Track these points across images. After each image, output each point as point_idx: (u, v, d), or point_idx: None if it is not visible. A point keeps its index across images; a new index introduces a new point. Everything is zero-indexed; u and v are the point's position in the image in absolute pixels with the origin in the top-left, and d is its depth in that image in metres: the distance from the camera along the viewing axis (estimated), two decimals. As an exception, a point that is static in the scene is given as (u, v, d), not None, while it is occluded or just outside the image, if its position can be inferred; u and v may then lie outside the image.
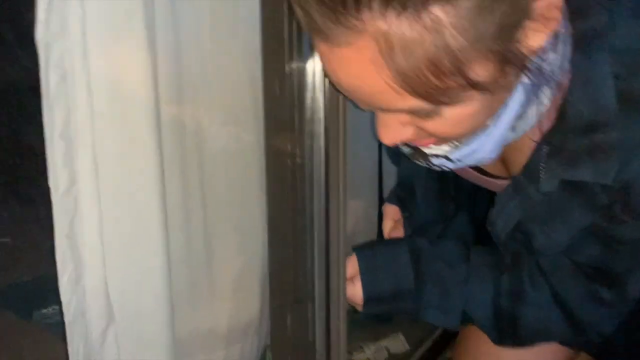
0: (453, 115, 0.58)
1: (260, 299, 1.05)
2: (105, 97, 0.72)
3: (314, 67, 0.76)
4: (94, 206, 0.74)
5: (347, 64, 0.55)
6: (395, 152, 1.04)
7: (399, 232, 1.06)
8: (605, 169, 0.65)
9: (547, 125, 0.69)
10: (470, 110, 0.58)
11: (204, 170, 0.91)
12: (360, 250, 0.85)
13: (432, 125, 0.60)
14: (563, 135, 0.67)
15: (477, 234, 1.04)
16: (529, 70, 0.58)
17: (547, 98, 0.66)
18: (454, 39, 0.50)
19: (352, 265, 0.84)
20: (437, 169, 0.76)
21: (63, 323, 0.77)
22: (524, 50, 0.55)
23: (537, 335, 0.84)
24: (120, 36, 0.72)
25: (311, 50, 0.75)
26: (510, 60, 0.55)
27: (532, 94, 0.64)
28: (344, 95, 0.63)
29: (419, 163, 0.76)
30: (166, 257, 0.82)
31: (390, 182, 1.40)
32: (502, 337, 0.84)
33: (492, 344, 0.86)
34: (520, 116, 0.66)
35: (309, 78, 0.76)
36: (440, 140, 0.66)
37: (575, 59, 0.65)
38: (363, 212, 1.40)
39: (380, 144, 1.40)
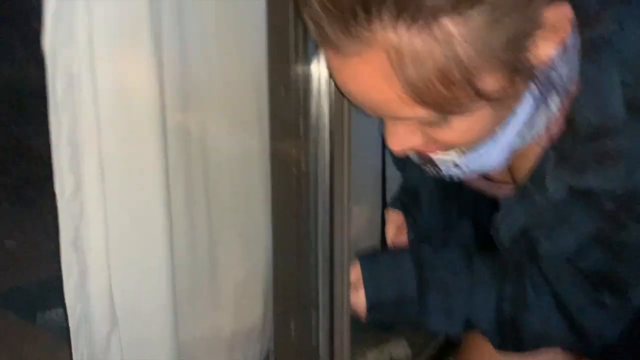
0: (462, 124, 0.58)
1: (263, 304, 1.05)
2: (111, 103, 0.73)
3: (319, 73, 0.76)
4: (99, 212, 0.74)
5: (358, 75, 0.55)
6: (399, 158, 1.04)
7: (402, 238, 1.06)
8: (613, 176, 0.65)
9: (555, 132, 0.69)
10: (478, 119, 0.58)
11: (209, 177, 0.91)
12: (364, 257, 0.85)
13: (440, 133, 0.60)
14: (571, 142, 0.67)
15: (480, 240, 1.04)
16: (537, 79, 0.58)
17: (555, 105, 0.66)
18: (464, 51, 0.50)
19: (355, 273, 0.84)
20: (445, 176, 0.76)
21: (67, 327, 0.77)
22: (533, 60, 0.55)
23: (540, 340, 0.84)
24: (127, 43, 0.72)
25: (317, 57, 0.75)
26: (520, 71, 0.55)
27: (541, 102, 0.64)
28: (350, 102, 0.63)
29: (427, 170, 0.77)
30: (170, 263, 0.83)
31: (393, 187, 1.40)
32: (504, 343, 0.84)
33: (495, 351, 0.85)
34: (528, 124, 0.66)
35: (314, 85, 0.77)
36: (449, 148, 0.67)
37: (584, 67, 0.65)
38: (366, 217, 1.40)
39: (383, 150, 1.40)
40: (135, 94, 0.74)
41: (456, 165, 0.72)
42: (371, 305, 0.83)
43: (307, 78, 0.76)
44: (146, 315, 0.83)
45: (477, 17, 0.49)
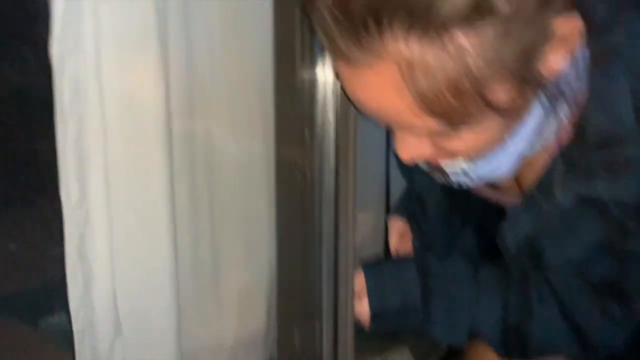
0: (471, 134, 0.58)
1: (266, 312, 1.05)
2: (117, 110, 0.73)
3: (325, 81, 0.76)
4: (105, 218, 0.74)
5: (368, 85, 0.55)
6: (405, 165, 1.04)
7: (405, 246, 1.06)
8: (622, 184, 0.65)
9: (563, 140, 0.69)
10: (488, 129, 0.58)
11: (213, 184, 0.91)
12: (368, 266, 0.85)
13: (450, 143, 0.60)
14: (580, 150, 0.67)
15: (483, 250, 1.04)
16: (547, 89, 0.58)
17: (564, 114, 0.66)
18: (475, 62, 0.50)
19: (359, 281, 0.83)
20: (455, 184, 0.76)
21: (69, 332, 0.77)
22: (543, 71, 0.55)
23: (545, 350, 0.83)
24: (134, 50, 0.73)
25: (322, 65, 0.75)
26: (529, 81, 0.55)
27: (550, 111, 0.65)
28: (358, 110, 0.63)
29: (437, 178, 0.77)
30: (175, 270, 0.83)
31: (397, 194, 1.40)
32: (509, 352, 0.84)
33: (499, 359, 0.85)
34: (537, 132, 0.66)
35: (320, 92, 0.77)
36: (458, 157, 0.67)
37: (593, 75, 0.65)
38: (371, 224, 1.40)
39: (387, 157, 1.40)
40: (142, 101, 0.74)
41: (465, 174, 0.72)
42: (375, 314, 0.83)
43: (312, 85, 0.76)
44: (150, 322, 0.83)
45: (488, 29, 0.49)
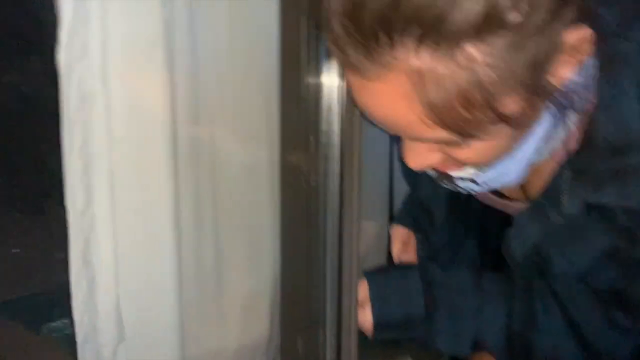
0: (480, 144, 0.58)
1: (269, 319, 1.05)
2: (123, 118, 0.73)
3: (330, 88, 0.76)
4: (109, 226, 0.75)
5: (379, 97, 0.55)
6: (411, 173, 1.04)
7: (409, 255, 1.05)
8: (630, 192, 0.65)
9: (571, 147, 0.69)
10: (497, 139, 0.58)
11: (218, 192, 0.92)
12: (371, 275, 0.85)
13: (459, 152, 0.60)
14: (588, 158, 0.67)
15: (485, 261, 1.04)
16: (556, 99, 0.58)
17: (572, 122, 0.66)
18: (486, 75, 0.50)
19: (362, 291, 0.83)
20: (463, 192, 0.76)
21: (73, 336, 0.78)
22: (553, 82, 0.55)
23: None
24: (140, 59, 0.73)
25: (328, 72, 0.76)
26: (540, 93, 0.55)
27: (559, 119, 0.65)
28: (365, 118, 0.63)
29: (445, 186, 0.77)
30: (178, 276, 0.83)
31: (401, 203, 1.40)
32: (514, 363, 0.84)
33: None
34: (545, 140, 0.66)
35: (325, 100, 0.77)
36: (467, 166, 0.67)
37: (601, 83, 0.65)
38: (374, 233, 1.40)
39: (391, 165, 1.40)
40: (148, 108, 0.75)
41: (473, 181, 0.72)
42: (378, 323, 0.82)
43: (318, 92, 0.76)
44: (153, 328, 0.84)
45: (498, 40, 0.49)
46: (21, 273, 1.38)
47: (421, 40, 0.49)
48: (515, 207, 0.82)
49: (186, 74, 0.81)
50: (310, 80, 0.76)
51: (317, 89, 0.76)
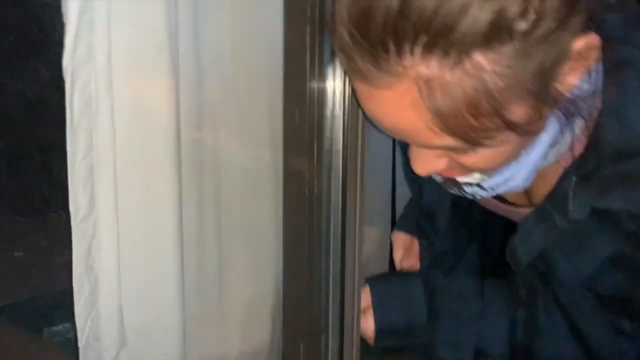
0: (487, 150, 0.58)
1: (271, 326, 1.05)
2: (127, 123, 0.73)
3: (333, 94, 0.76)
4: (112, 231, 0.75)
5: (387, 105, 0.55)
6: (415, 179, 1.04)
7: (410, 261, 1.05)
8: (636, 197, 0.65)
9: (577, 152, 0.69)
10: (504, 145, 0.58)
11: (222, 198, 0.92)
12: (374, 282, 0.85)
13: (466, 158, 0.60)
14: (594, 162, 0.67)
15: (487, 264, 1.03)
16: (564, 105, 0.58)
17: (579, 128, 0.66)
18: (494, 83, 0.51)
19: (365, 297, 0.83)
20: (469, 197, 0.76)
21: (75, 342, 0.78)
22: (561, 88, 0.55)
23: None
24: (144, 64, 0.73)
25: (332, 78, 0.76)
26: (547, 100, 0.55)
27: (566, 125, 0.65)
28: (373, 125, 0.63)
29: (451, 191, 0.77)
30: (181, 282, 0.83)
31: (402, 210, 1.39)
32: (517, 371, 0.83)
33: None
34: (552, 145, 0.66)
35: (329, 105, 0.77)
36: (474, 172, 0.67)
37: (607, 87, 0.65)
38: (377, 240, 1.40)
39: (394, 172, 1.40)
40: (152, 114, 0.75)
41: (479, 186, 0.72)
42: (379, 330, 0.82)
43: (321, 97, 0.76)
44: (155, 334, 0.83)
45: (507, 50, 0.50)
46: (23, 276, 1.38)
47: (430, 48, 0.49)
48: (518, 212, 0.82)
49: (191, 79, 0.81)
50: (314, 86, 0.76)
51: (321, 95, 0.76)
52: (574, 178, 0.69)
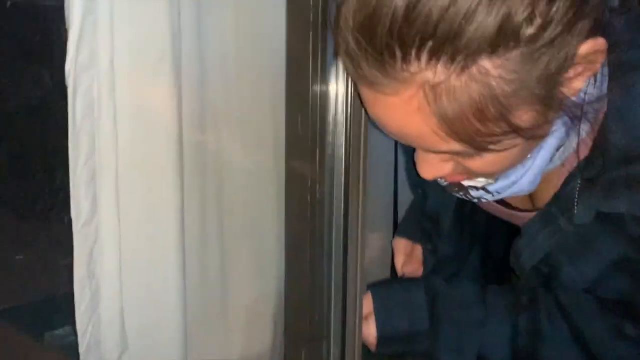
0: (493, 155, 0.58)
1: (273, 330, 1.05)
2: (130, 128, 0.73)
3: (336, 98, 0.76)
4: (114, 236, 0.74)
5: (393, 111, 0.55)
6: (419, 183, 1.04)
7: (412, 267, 1.05)
8: None
9: (582, 156, 0.69)
10: (510, 150, 0.58)
11: (224, 202, 0.92)
12: (376, 288, 0.85)
13: (472, 163, 0.60)
14: (600, 166, 0.67)
15: (489, 268, 1.03)
16: (570, 109, 0.58)
17: (585, 131, 0.66)
18: (501, 88, 0.50)
19: (367, 304, 0.83)
20: (475, 201, 0.76)
21: (76, 346, 0.77)
22: (567, 93, 0.55)
23: None
24: (147, 68, 0.73)
25: (334, 81, 0.76)
26: (554, 105, 0.55)
27: (572, 129, 0.65)
28: (379, 129, 0.63)
29: (456, 195, 0.77)
30: (182, 286, 0.83)
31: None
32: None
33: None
34: (559, 149, 0.66)
35: (332, 109, 0.77)
36: (480, 176, 0.67)
37: (613, 91, 0.65)
38: (379, 246, 1.40)
39: (396, 178, 1.40)
40: (154, 118, 0.75)
41: (486, 190, 0.72)
42: (382, 337, 0.82)
43: (324, 101, 0.76)
44: (157, 338, 0.83)
45: (513, 55, 0.50)
46: (24, 280, 1.37)
47: (436, 54, 0.49)
48: (522, 217, 0.82)
49: (193, 83, 0.81)
50: (317, 91, 0.76)
51: (324, 100, 0.76)
52: (579, 181, 0.69)
